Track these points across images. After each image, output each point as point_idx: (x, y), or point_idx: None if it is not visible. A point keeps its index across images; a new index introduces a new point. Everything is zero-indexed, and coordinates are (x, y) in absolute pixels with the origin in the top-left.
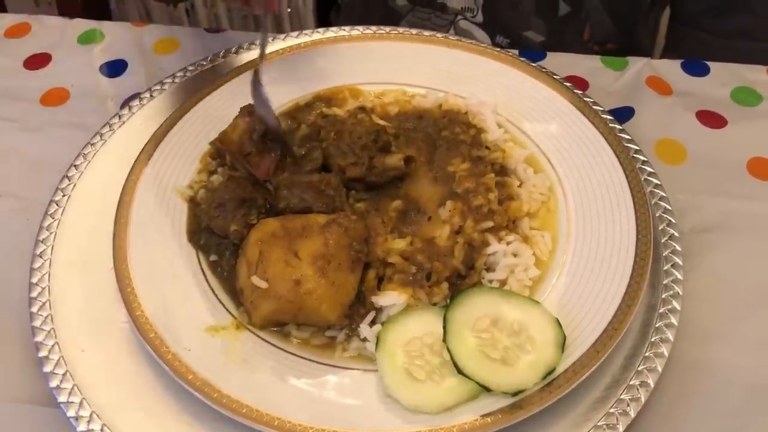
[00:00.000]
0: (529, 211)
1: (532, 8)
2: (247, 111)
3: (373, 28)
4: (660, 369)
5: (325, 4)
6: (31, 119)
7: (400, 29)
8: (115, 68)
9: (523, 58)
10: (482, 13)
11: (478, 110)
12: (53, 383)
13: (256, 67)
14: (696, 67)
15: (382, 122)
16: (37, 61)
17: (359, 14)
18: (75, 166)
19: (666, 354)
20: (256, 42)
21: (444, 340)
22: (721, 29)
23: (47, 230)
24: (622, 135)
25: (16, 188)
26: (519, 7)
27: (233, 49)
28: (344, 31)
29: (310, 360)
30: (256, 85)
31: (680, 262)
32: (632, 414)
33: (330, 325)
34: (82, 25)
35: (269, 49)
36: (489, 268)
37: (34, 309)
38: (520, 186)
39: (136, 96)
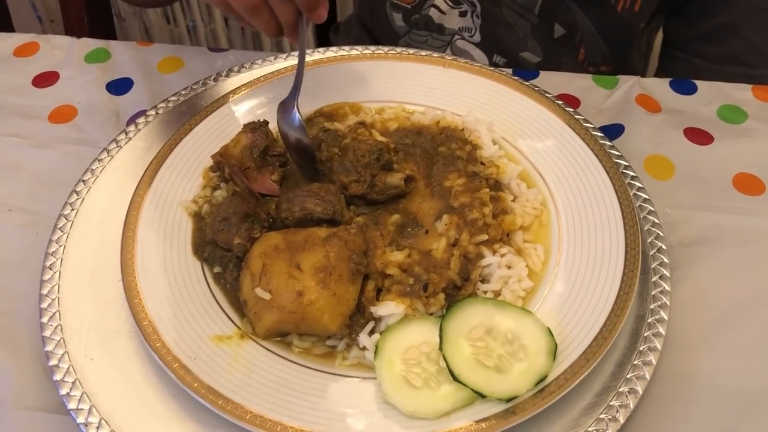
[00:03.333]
0: (522, 224)
1: (529, 30)
2: (250, 127)
3: (372, 48)
4: (648, 377)
5: (324, 24)
6: (39, 136)
7: (398, 49)
8: (121, 86)
9: (516, 77)
10: (480, 33)
11: (474, 127)
12: (63, 391)
13: (292, 96)
14: (684, 86)
15: (382, 138)
16: (45, 80)
17: (357, 35)
18: (83, 181)
19: (654, 362)
20: (258, 61)
21: (440, 349)
22: (712, 55)
23: (56, 243)
24: (612, 151)
25: (25, 203)
26: (515, 28)
27: (236, 68)
28: (344, 50)
29: (311, 368)
30: (289, 111)
31: (668, 274)
32: (621, 420)
33: (331, 335)
34: (89, 44)
35: (272, 68)
36: (484, 280)
37: (45, 319)
38: (513, 200)
39: (142, 113)
